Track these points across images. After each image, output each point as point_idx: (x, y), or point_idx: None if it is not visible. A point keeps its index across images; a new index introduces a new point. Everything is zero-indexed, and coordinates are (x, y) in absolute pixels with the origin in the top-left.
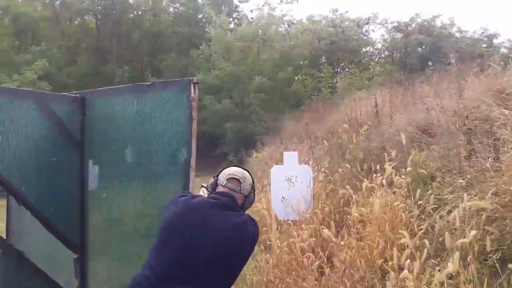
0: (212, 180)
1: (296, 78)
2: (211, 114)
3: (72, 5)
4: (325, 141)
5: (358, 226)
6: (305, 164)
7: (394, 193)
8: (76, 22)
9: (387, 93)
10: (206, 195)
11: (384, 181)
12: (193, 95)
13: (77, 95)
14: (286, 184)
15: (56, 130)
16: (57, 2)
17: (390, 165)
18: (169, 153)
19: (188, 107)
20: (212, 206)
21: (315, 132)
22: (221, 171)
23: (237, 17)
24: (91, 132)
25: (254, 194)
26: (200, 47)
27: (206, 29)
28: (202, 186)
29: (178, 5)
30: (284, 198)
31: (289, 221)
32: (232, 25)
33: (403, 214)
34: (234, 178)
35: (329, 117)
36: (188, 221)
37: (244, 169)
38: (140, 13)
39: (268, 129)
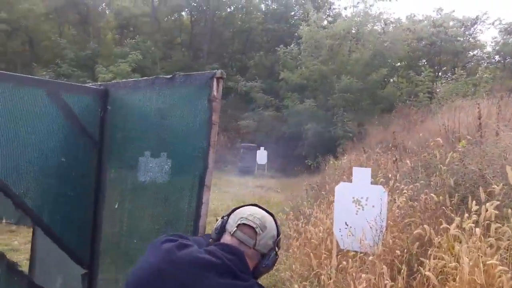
0: (219, 222)
1: (391, 80)
2: (293, 113)
3: (169, 1)
4: (408, 160)
5: (435, 283)
6: (381, 184)
7: (490, 246)
8: (173, 18)
9: (494, 104)
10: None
11: (477, 229)
12: (215, 93)
13: (101, 87)
14: (354, 206)
15: (70, 127)
16: None
17: (491, 204)
18: (179, 166)
19: (207, 108)
20: (207, 267)
21: (404, 142)
22: (234, 210)
23: (331, 14)
24: (111, 130)
25: (277, 254)
26: (288, 46)
27: (300, 26)
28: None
29: (270, 2)
30: (347, 225)
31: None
32: (325, 22)
33: (504, 279)
34: (247, 225)
35: (422, 127)
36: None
37: (268, 212)
38: (232, 10)
39: (351, 134)
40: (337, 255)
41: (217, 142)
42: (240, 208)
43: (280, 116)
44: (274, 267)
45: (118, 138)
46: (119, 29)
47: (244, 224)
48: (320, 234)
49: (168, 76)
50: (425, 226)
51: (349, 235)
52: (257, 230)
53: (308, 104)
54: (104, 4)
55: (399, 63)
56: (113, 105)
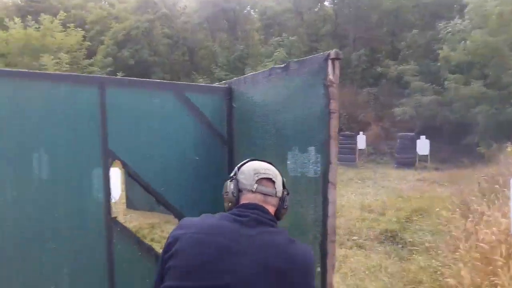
0: (231, 185)
1: None
2: (457, 97)
3: None
4: None
5: None
6: None
7: None
8: (315, 10)
9: None
10: None
11: None
12: (331, 77)
13: (226, 85)
14: None
15: (200, 126)
16: None
17: None
18: (299, 162)
19: (323, 95)
20: (239, 223)
21: None
22: (237, 169)
23: None
24: (237, 127)
25: (288, 192)
26: (451, 21)
27: None
28: None
29: None
30: None
31: None
32: None
33: None
34: (265, 178)
35: None
36: (211, 251)
37: (267, 162)
38: None
39: None
40: None
41: (370, 133)
42: (243, 167)
43: (441, 100)
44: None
45: (244, 134)
46: (265, 29)
47: (262, 178)
48: (493, 237)
49: (282, 65)
50: None
51: None
52: (273, 179)
53: (475, 85)
54: (249, 6)
55: None
56: (237, 102)
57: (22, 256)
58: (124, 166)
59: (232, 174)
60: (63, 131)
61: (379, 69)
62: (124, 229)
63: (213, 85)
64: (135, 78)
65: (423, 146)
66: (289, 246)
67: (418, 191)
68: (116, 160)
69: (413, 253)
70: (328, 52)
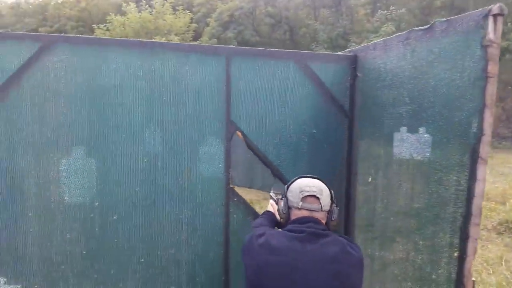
0: (281, 203)
1: None
2: None
3: None
4: None
5: None
6: None
7: None
8: None
9: None
10: (274, 209)
11: None
12: (491, 36)
13: (350, 53)
14: None
15: (320, 97)
16: None
17: None
18: (443, 136)
19: (480, 57)
20: (298, 240)
21: None
22: (286, 188)
23: None
24: (361, 98)
25: (336, 204)
26: None
27: None
28: (271, 198)
29: None
30: None
31: None
32: None
33: None
34: (310, 195)
35: None
36: (280, 273)
37: (315, 178)
38: None
39: None
40: None
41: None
42: (291, 185)
43: None
44: None
45: (369, 106)
46: (371, 4)
47: (307, 196)
48: None
49: (426, 26)
50: None
51: None
52: (317, 195)
53: None
54: None
55: None
56: (362, 70)
57: (145, 215)
58: (244, 137)
59: (282, 194)
60: (190, 100)
61: (503, 42)
62: (240, 199)
63: (338, 53)
64: (258, 48)
65: None
66: (346, 252)
67: None
68: (237, 132)
69: None
70: (489, 7)
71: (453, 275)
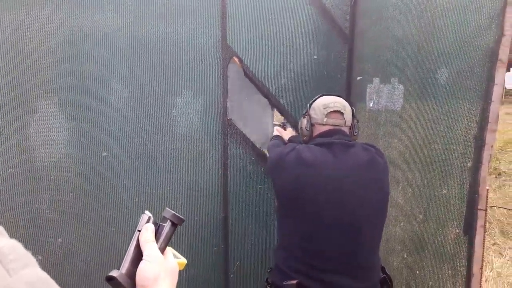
0: (303, 121)
1: None
2: None
3: None
4: None
5: None
6: None
7: None
8: None
9: None
10: (284, 134)
11: None
12: None
13: None
14: None
15: (320, 19)
16: None
17: None
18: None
19: None
20: (329, 151)
21: None
22: (309, 105)
23: None
24: (363, 23)
25: (358, 120)
26: None
27: None
28: (275, 125)
29: None
30: None
31: None
32: None
33: None
34: (334, 111)
35: None
36: (321, 184)
37: (335, 95)
38: None
39: None
40: None
41: None
42: (314, 103)
43: None
44: None
45: (371, 33)
46: None
47: (331, 111)
48: None
49: None
50: None
51: None
52: (341, 111)
53: None
54: None
55: None
56: None
57: (144, 156)
58: (241, 63)
59: (304, 112)
60: (186, 26)
61: None
62: (238, 131)
63: None
64: None
65: None
66: (376, 159)
67: None
68: (234, 57)
69: None
70: None
71: (466, 186)
